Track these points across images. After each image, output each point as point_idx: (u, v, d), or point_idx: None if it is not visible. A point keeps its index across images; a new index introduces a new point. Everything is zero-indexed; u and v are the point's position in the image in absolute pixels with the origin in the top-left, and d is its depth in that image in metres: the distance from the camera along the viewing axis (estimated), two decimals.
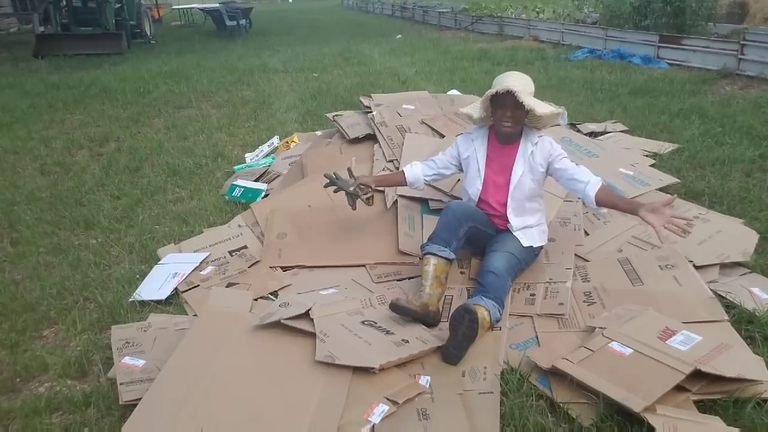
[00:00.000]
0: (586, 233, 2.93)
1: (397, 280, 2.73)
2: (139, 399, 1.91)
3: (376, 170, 3.40)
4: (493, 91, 2.42)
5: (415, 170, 2.76)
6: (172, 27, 20.27)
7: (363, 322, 2.21)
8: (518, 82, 2.42)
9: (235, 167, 4.52)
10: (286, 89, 7.84)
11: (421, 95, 4.45)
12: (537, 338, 2.24)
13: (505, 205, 2.59)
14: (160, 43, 14.47)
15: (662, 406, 1.73)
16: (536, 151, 2.53)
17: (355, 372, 1.95)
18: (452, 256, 2.44)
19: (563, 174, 2.51)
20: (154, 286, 2.79)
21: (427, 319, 2.28)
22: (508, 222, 2.58)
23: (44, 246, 3.41)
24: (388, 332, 2.17)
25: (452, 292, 2.55)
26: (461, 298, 2.50)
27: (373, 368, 1.94)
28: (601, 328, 2.13)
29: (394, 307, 2.22)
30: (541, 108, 2.44)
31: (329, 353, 1.97)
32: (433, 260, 2.40)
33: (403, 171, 2.78)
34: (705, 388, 1.84)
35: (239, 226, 3.29)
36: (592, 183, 2.42)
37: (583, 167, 2.51)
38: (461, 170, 2.76)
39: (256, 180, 4.05)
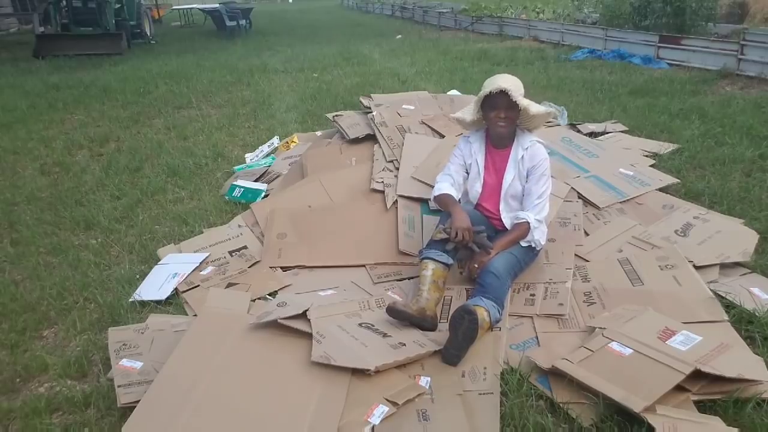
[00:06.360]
0: (586, 233, 2.93)
1: (397, 280, 2.73)
2: (138, 401, 1.91)
3: (376, 170, 3.40)
4: (486, 91, 2.43)
5: (453, 191, 2.62)
6: (172, 27, 20.27)
7: (360, 325, 2.20)
8: (510, 83, 2.43)
9: (235, 167, 4.52)
10: (286, 89, 7.83)
11: (421, 95, 4.44)
12: (537, 338, 2.24)
13: (499, 208, 2.61)
14: (160, 43, 14.47)
15: (662, 406, 1.73)
16: (526, 156, 2.54)
17: (354, 373, 1.94)
18: (450, 261, 2.44)
19: (526, 192, 2.54)
20: (154, 286, 2.79)
21: (424, 323, 2.27)
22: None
23: (44, 246, 3.41)
24: (385, 335, 2.16)
25: (451, 292, 2.55)
26: (460, 298, 2.50)
27: (368, 370, 1.94)
28: (601, 328, 2.13)
29: (391, 311, 2.21)
30: (534, 107, 2.46)
31: (325, 354, 1.96)
32: (431, 265, 2.40)
33: (451, 196, 2.59)
34: (705, 388, 1.84)
35: (239, 226, 3.29)
36: (523, 216, 2.49)
37: (540, 203, 2.52)
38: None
39: (256, 180, 4.05)
